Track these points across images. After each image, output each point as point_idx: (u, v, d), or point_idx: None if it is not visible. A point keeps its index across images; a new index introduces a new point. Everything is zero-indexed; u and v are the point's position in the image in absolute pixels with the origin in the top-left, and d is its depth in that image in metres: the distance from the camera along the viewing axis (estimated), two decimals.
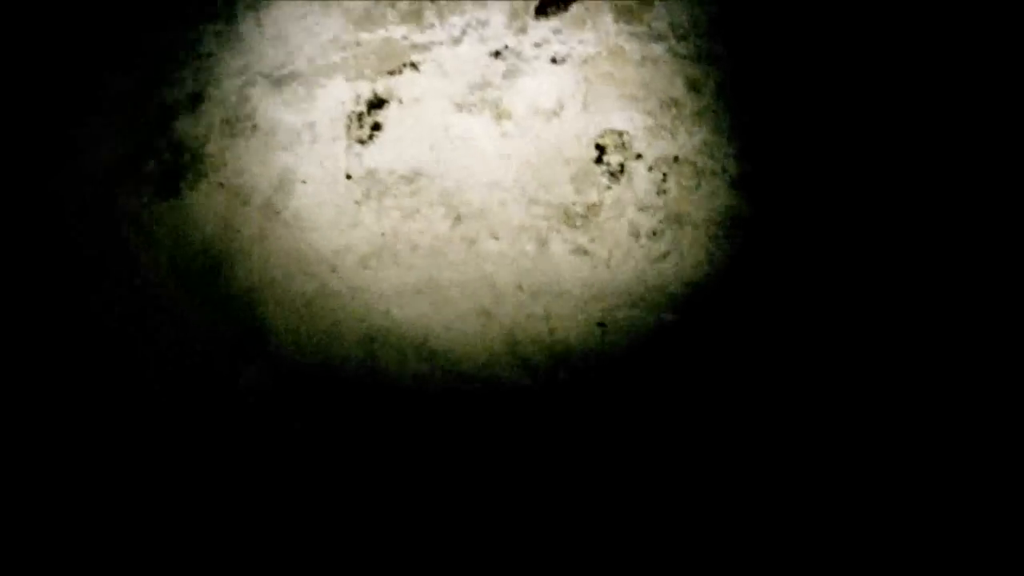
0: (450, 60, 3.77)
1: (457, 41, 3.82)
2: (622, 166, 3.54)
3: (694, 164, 3.58)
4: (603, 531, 3.31)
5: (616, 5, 3.78)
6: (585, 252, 3.45)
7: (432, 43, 3.83)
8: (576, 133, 3.59)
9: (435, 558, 3.29)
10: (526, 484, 3.34)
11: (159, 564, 2.84)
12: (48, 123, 3.08)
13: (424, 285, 3.44)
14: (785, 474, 3.31)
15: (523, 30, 3.77)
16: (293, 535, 3.29)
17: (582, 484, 3.35)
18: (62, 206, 3.04)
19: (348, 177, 3.65)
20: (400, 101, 3.72)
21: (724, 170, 3.56)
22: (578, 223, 3.49)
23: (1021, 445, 3.17)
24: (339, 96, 3.76)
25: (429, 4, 3.87)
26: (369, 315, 3.50)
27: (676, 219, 3.51)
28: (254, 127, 3.79)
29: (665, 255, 3.43)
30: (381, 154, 3.65)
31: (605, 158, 3.55)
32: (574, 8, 3.79)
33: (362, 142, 3.68)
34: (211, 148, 3.82)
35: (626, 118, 3.62)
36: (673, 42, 3.74)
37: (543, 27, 3.76)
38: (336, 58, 3.84)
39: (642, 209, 3.51)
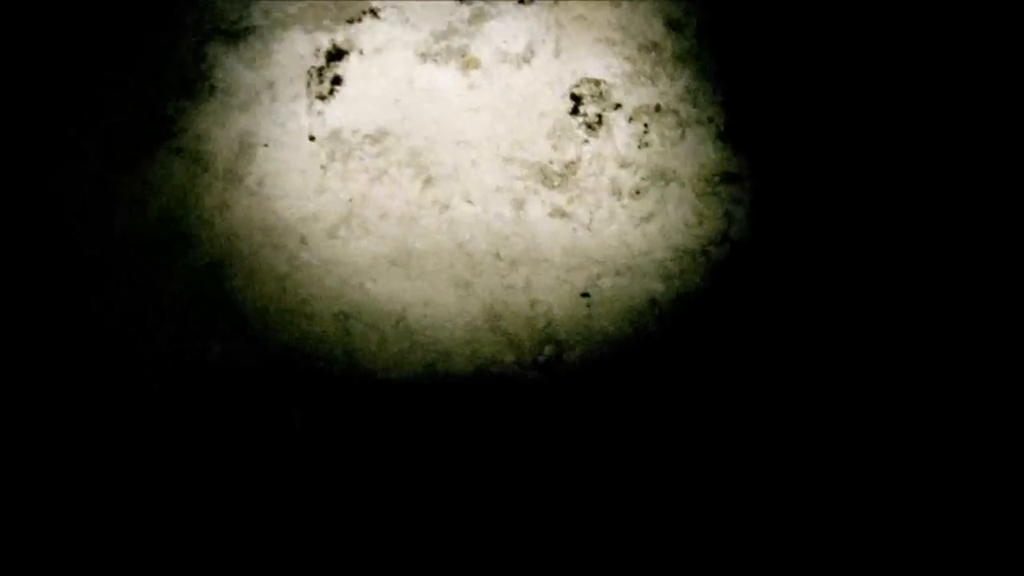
0: (412, 5, 3.46)
1: None
2: (600, 117, 3.29)
3: (677, 113, 3.32)
4: (590, 514, 3.20)
5: None
6: (564, 214, 3.23)
7: None
8: (549, 82, 3.32)
9: (415, 542, 3.20)
10: (510, 466, 3.23)
11: (158, 560, 2.83)
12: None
13: (398, 255, 3.24)
14: (775, 447, 3.19)
15: None
16: (274, 523, 3.20)
17: (569, 466, 3.23)
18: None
19: (311, 139, 3.40)
20: (361, 52, 3.44)
21: (710, 120, 3.31)
22: (556, 182, 3.26)
23: (1019, 445, 3.02)
24: (298, 50, 3.47)
25: None
26: (343, 290, 3.31)
27: (660, 175, 3.28)
28: (211, 88, 3.51)
29: (650, 216, 3.22)
30: (344, 112, 3.39)
31: (581, 109, 3.30)
32: None
33: (323, 98, 3.41)
34: (168, 111, 3.56)
35: (602, 65, 3.35)
36: None
37: None
38: (293, 9, 3.53)
39: (623, 165, 3.28)
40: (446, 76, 3.36)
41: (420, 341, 3.24)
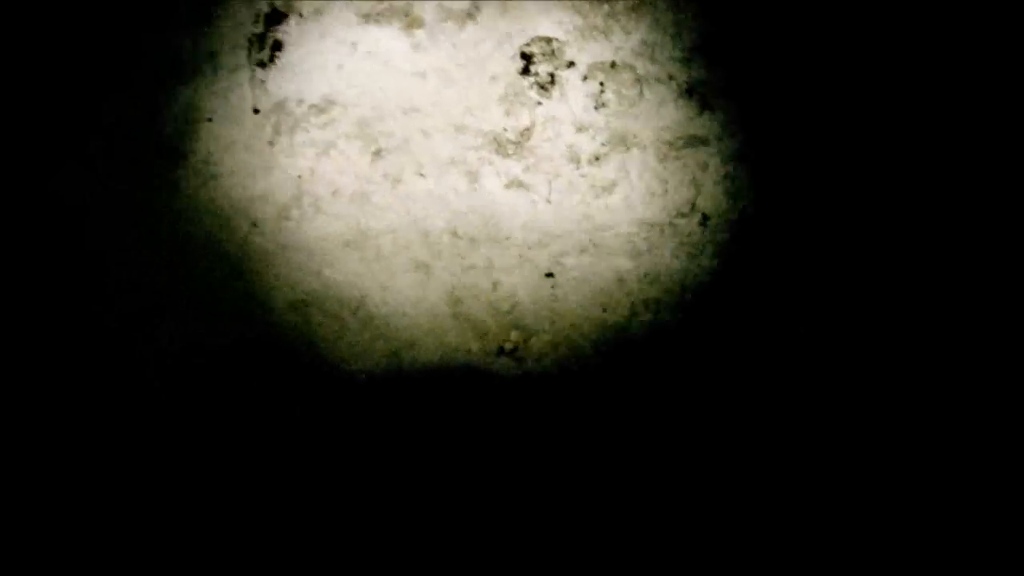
0: None
1: None
2: (552, 77, 3.04)
3: (633, 69, 3.06)
4: (562, 505, 3.10)
5: None
6: (521, 185, 3.03)
7: None
8: (497, 40, 3.07)
9: (378, 532, 3.12)
10: (479, 458, 3.11)
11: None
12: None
13: (353, 236, 3.07)
14: (752, 433, 3.04)
15: None
16: (242, 517, 3.13)
17: (539, 457, 3.11)
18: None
19: (256, 111, 3.17)
20: (300, 15, 3.18)
21: (670, 77, 3.04)
22: (510, 151, 3.04)
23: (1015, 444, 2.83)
24: (238, 16, 3.21)
25: None
26: (300, 277, 3.15)
27: (620, 139, 3.04)
28: (155, 63, 3.28)
29: (611, 185, 3.00)
30: (287, 80, 3.16)
31: (532, 68, 3.04)
32: None
33: (263, 65, 3.17)
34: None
35: (552, 20, 3.08)
36: None
37: None
38: None
39: (580, 129, 3.04)
40: (389, 37, 3.11)
41: (381, 330, 3.10)
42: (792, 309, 2.98)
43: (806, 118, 2.99)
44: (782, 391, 2.95)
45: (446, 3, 3.06)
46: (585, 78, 3.02)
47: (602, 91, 3.02)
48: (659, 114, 3.01)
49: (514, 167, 3.02)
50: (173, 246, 3.16)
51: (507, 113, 3.01)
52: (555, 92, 3.03)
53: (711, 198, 2.99)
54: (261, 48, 3.18)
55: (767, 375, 2.98)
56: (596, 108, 3.01)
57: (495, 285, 3.01)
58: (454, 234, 3.02)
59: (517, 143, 3.02)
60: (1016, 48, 2.82)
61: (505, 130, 3.01)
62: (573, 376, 3.07)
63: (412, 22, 3.09)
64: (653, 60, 3.02)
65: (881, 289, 2.91)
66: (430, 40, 3.06)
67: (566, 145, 2.99)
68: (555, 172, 3.00)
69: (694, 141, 3.01)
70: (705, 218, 3.01)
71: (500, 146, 3.03)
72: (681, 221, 2.99)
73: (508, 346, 3.09)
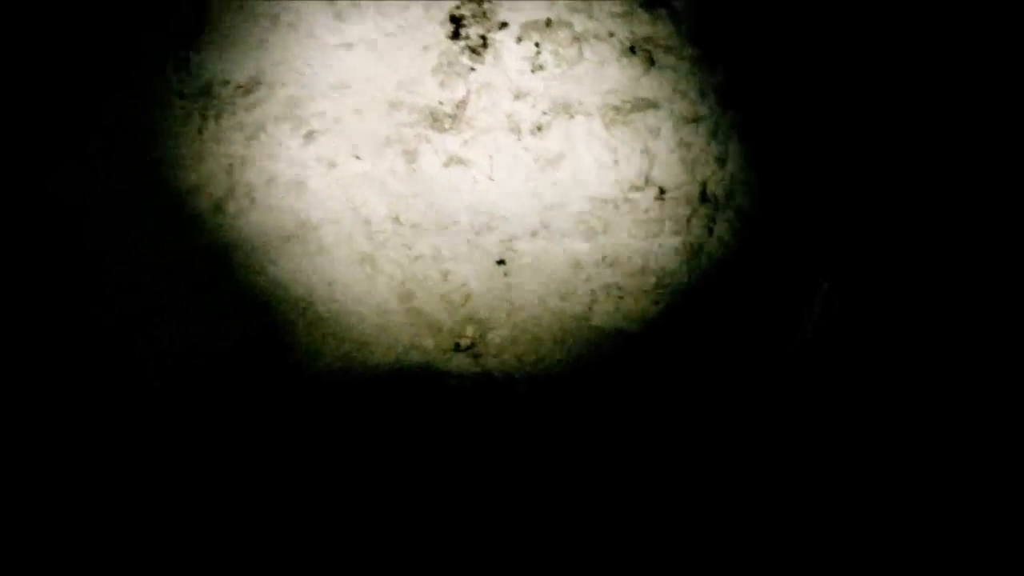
0: None
1: None
2: (484, 39, 2.74)
3: (571, 27, 2.75)
4: (522, 506, 2.89)
5: None
6: (462, 162, 2.77)
7: None
8: (425, 4, 2.74)
9: (332, 532, 2.93)
10: (438, 462, 2.92)
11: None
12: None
13: (293, 228, 2.85)
14: (719, 426, 2.79)
15: None
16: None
17: (500, 459, 2.91)
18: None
19: (181, 96, 2.91)
20: None
21: (611, 33, 2.72)
22: (447, 125, 2.78)
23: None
24: None
25: None
26: (244, 276, 2.93)
27: (562, 106, 2.75)
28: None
29: (557, 158, 2.73)
30: (210, 59, 2.89)
31: (463, 32, 2.73)
32: None
33: (185, 44, 2.90)
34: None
35: None
36: None
37: None
38: None
39: (518, 96, 2.75)
40: (311, 7, 2.80)
41: (332, 329, 2.88)
42: (761, 290, 2.69)
43: (764, 73, 2.66)
44: (755, 381, 2.69)
45: None
46: (519, 39, 2.72)
47: (538, 52, 2.72)
48: (602, 75, 2.71)
49: (452, 143, 2.76)
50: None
51: (441, 85, 2.73)
52: (488, 56, 2.74)
53: (666, 168, 2.70)
54: (183, 24, 2.89)
55: (739, 365, 2.72)
56: (533, 71, 2.72)
57: (445, 275, 2.79)
58: (397, 221, 2.78)
59: (453, 116, 2.74)
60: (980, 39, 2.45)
61: (441, 103, 2.75)
62: (534, 373, 2.83)
63: None
64: (591, 16, 2.70)
65: (856, 264, 2.60)
66: (353, 7, 2.77)
67: (505, 115, 2.72)
68: (495, 146, 2.73)
69: (642, 104, 2.71)
70: (661, 191, 2.74)
71: (436, 120, 2.77)
72: (636, 195, 2.72)
73: (464, 342, 2.91)
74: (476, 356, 2.86)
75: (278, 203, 2.86)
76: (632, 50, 2.72)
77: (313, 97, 2.84)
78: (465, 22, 2.74)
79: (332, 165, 2.83)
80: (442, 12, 2.75)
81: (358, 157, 2.81)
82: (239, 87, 2.86)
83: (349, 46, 2.81)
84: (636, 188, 2.74)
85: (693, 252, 2.80)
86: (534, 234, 2.79)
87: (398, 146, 2.80)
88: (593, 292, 2.84)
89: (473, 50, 2.75)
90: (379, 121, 2.80)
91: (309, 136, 2.84)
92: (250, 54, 2.86)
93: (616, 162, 2.72)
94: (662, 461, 2.81)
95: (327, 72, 2.82)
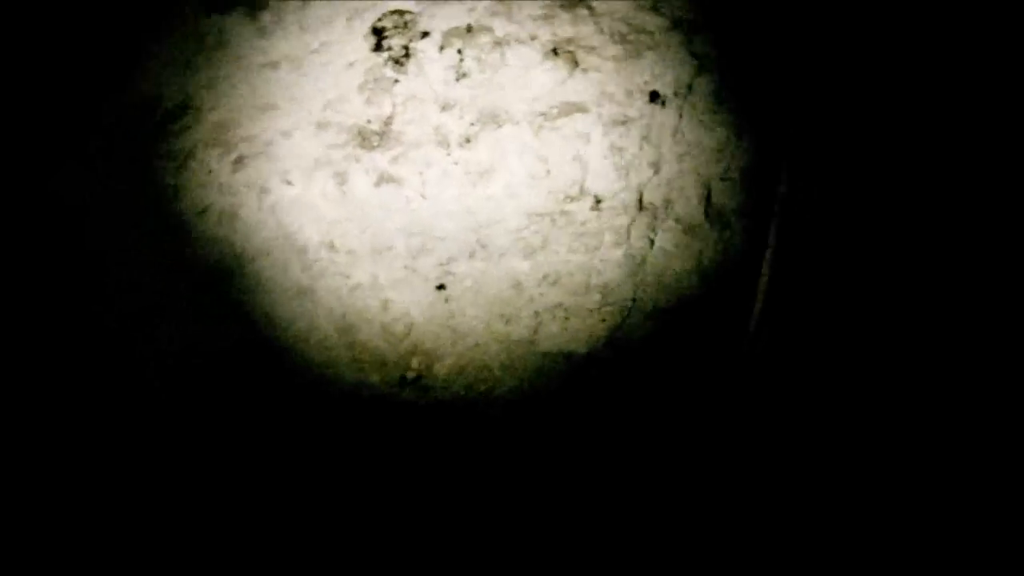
0: None
1: None
2: (407, 50, 2.58)
3: (491, 31, 2.59)
4: (480, 541, 2.72)
5: None
6: (392, 180, 2.63)
7: None
8: (347, 17, 2.61)
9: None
10: (390, 501, 2.76)
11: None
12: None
13: (230, 263, 2.72)
14: (677, 445, 2.59)
15: None
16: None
17: (454, 496, 2.74)
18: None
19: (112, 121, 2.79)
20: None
21: (532, 37, 2.56)
22: (375, 142, 2.62)
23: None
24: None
25: None
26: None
27: (489, 116, 2.60)
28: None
29: (488, 171, 2.58)
30: (143, 83, 2.75)
31: (385, 43, 2.58)
32: None
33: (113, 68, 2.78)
34: None
35: None
36: None
37: None
38: None
39: (445, 107, 2.60)
40: (234, 24, 2.67)
41: (273, 370, 2.72)
42: (708, 301, 2.50)
43: (696, 71, 2.47)
44: (709, 390, 2.50)
45: None
46: (442, 48, 2.58)
47: (461, 60, 2.57)
48: (527, 81, 2.55)
49: (381, 160, 2.62)
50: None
51: (368, 102, 2.60)
52: (412, 67, 2.60)
53: (600, 176, 2.54)
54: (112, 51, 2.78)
55: (691, 377, 2.52)
56: (457, 80, 2.57)
57: (385, 305, 2.67)
58: (332, 247, 2.65)
59: (381, 133, 2.59)
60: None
61: (368, 122, 2.61)
62: (484, 403, 2.68)
63: (256, 3, 2.64)
64: (511, 19, 2.55)
65: (812, 267, 2.41)
66: (276, 23, 2.64)
67: (432, 127, 2.58)
68: (425, 161, 2.59)
69: (570, 108, 2.56)
70: (597, 201, 2.59)
71: (365, 139, 2.61)
72: (572, 207, 2.55)
73: (411, 375, 2.78)
74: (424, 389, 2.69)
75: (210, 234, 2.71)
76: (555, 52, 2.55)
77: (240, 121, 2.70)
78: (387, 33, 2.59)
79: (264, 191, 2.68)
80: (364, 25, 2.61)
81: (289, 182, 2.67)
82: (166, 112, 2.72)
83: (275, 65, 2.68)
84: (571, 198, 2.57)
85: (636, 265, 2.62)
86: (472, 255, 2.63)
87: (328, 168, 2.66)
88: (537, 314, 2.67)
89: (396, 61, 2.60)
90: (308, 143, 2.67)
91: (239, 162, 2.70)
92: (174, 77, 2.71)
93: (548, 172, 2.55)
94: (621, 485, 2.62)
95: (253, 93, 2.70)
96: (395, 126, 2.63)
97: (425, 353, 2.73)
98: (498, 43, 2.57)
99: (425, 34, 2.59)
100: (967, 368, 2.42)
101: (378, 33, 2.60)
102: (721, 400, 2.61)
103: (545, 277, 2.66)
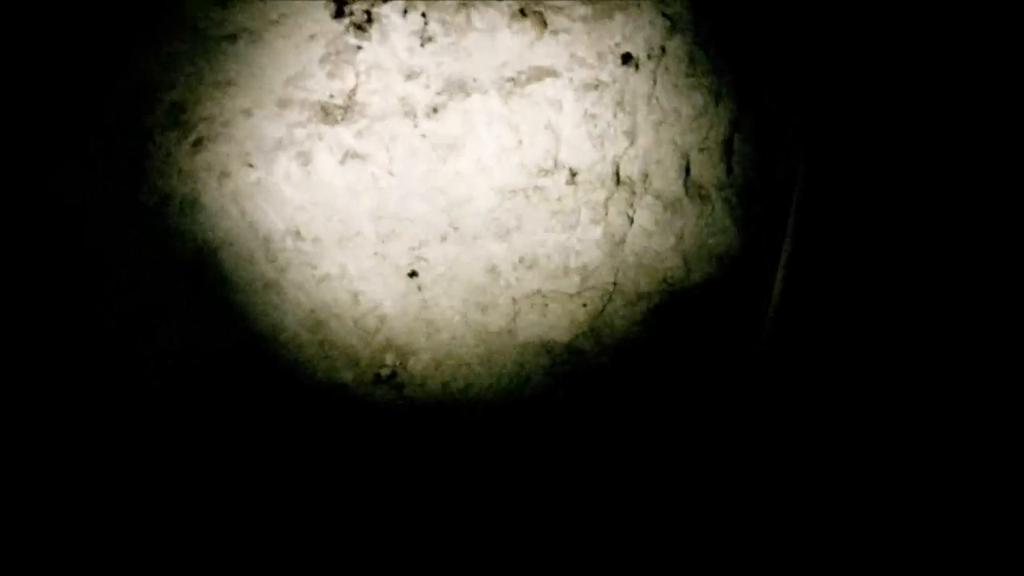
0: None
1: None
2: (369, 15, 2.39)
3: None
4: (459, 547, 2.52)
5: None
6: (357, 155, 2.46)
7: None
8: None
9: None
10: (366, 507, 2.65)
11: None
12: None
13: (192, 256, 2.58)
14: (662, 439, 2.37)
15: None
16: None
17: (431, 501, 2.57)
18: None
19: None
20: None
21: None
22: (339, 117, 2.42)
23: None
24: None
25: None
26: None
27: (457, 84, 2.40)
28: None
29: (457, 144, 2.39)
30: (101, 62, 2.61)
31: (346, 8, 2.38)
32: None
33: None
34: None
35: None
36: None
37: None
38: None
39: (410, 76, 2.41)
40: None
41: (238, 370, 2.56)
42: (699, 285, 2.27)
43: (668, 32, 2.26)
44: (712, 387, 2.28)
45: None
46: (405, 12, 2.39)
47: (426, 23, 2.38)
48: (493, 44, 2.36)
49: (345, 135, 2.45)
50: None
51: (330, 75, 2.41)
52: (375, 33, 2.42)
53: (574, 147, 2.35)
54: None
55: (688, 371, 2.30)
56: (423, 45, 2.38)
57: (355, 297, 2.56)
58: (298, 235, 2.50)
59: (345, 107, 2.40)
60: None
61: (331, 96, 2.40)
62: (462, 400, 2.55)
63: None
64: None
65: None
66: None
67: (397, 98, 2.41)
68: (391, 134, 2.41)
69: (539, 73, 2.37)
70: (572, 174, 2.38)
71: (328, 115, 2.41)
72: (546, 182, 2.35)
73: (385, 372, 2.64)
74: (399, 387, 2.52)
75: (171, 226, 2.54)
76: (522, 13, 2.35)
77: (199, 100, 2.52)
78: None
79: (225, 175, 2.50)
80: None
81: (251, 165, 2.48)
82: (126, 92, 2.55)
83: (232, 38, 2.49)
84: (545, 172, 2.36)
85: (615, 244, 2.41)
86: (444, 238, 2.44)
87: (291, 148, 2.49)
88: (515, 301, 2.48)
89: (359, 27, 2.41)
90: (269, 122, 2.48)
91: (197, 144, 2.51)
92: (134, 54, 2.54)
93: (520, 142, 2.35)
94: (609, 489, 2.40)
95: (210, 69, 2.51)
96: (359, 97, 2.45)
97: (399, 348, 2.57)
98: (464, 4, 2.37)
99: None
100: (970, 361, 2.19)
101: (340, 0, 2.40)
102: (714, 393, 2.39)
103: (521, 260, 2.46)
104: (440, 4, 2.38)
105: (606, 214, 2.47)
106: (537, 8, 2.38)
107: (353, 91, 2.45)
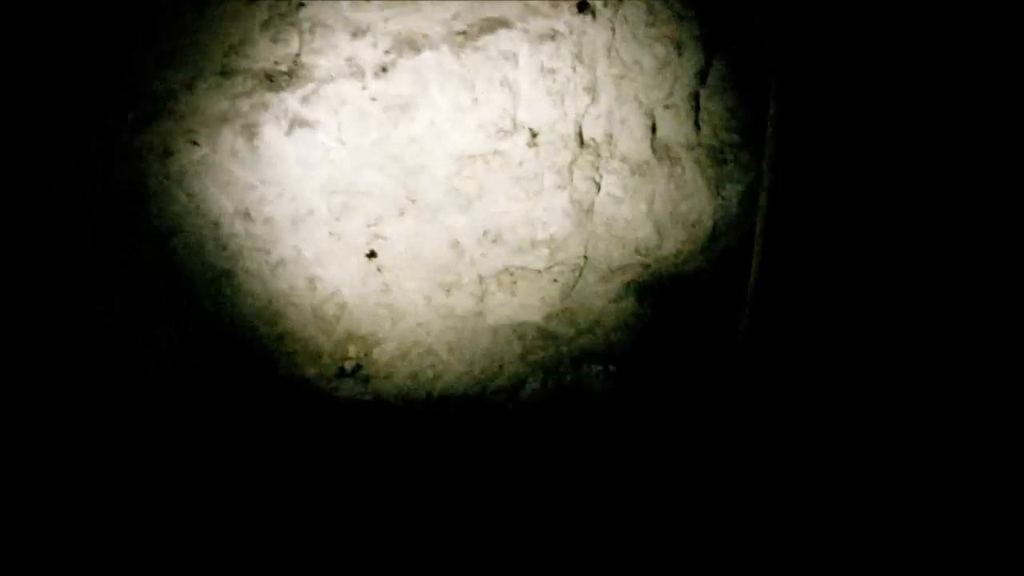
0: None
1: None
2: None
3: None
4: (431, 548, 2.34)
5: None
6: (306, 123, 2.33)
7: None
8: None
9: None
10: (333, 509, 2.48)
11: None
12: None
13: (135, 243, 2.51)
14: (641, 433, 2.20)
15: None
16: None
17: (400, 502, 2.45)
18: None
19: None
20: None
21: None
22: (284, 84, 2.25)
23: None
24: None
25: None
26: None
27: (407, 41, 2.24)
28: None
29: (409, 105, 2.22)
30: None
31: None
32: None
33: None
34: None
35: None
36: None
37: None
38: None
39: (356, 33, 2.27)
40: None
41: (195, 364, 2.45)
42: (670, 255, 2.08)
43: None
44: (683, 381, 2.09)
45: None
46: None
47: None
48: None
49: (291, 101, 2.35)
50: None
51: (274, 41, 2.22)
52: None
53: (533, 105, 2.22)
54: None
55: (664, 357, 2.11)
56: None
57: (312, 283, 2.46)
58: (248, 217, 2.40)
59: (289, 73, 2.20)
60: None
61: (277, 63, 2.22)
62: (432, 393, 2.50)
63: None
64: None
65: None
66: None
67: (344, 59, 2.28)
68: (339, 97, 2.30)
69: (492, 24, 2.19)
70: (533, 135, 2.19)
71: (273, 82, 2.25)
72: (505, 145, 2.21)
73: (349, 365, 2.54)
74: (364, 380, 2.40)
75: (116, 209, 2.38)
76: None
77: (136, 73, 2.35)
78: None
79: (168, 154, 2.34)
80: None
81: (195, 143, 2.31)
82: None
83: (171, 8, 2.29)
84: (504, 133, 2.21)
85: (583, 213, 2.23)
86: (402, 212, 2.30)
87: (236, 121, 2.33)
88: (481, 279, 2.32)
89: None
90: (211, 96, 2.32)
91: (137, 120, 2.33)
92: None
93: (476, 100, 2.19)
94: (590, 485, 2.23)
95: (147, 41, 2.38)
96: (304, 59, 2.26)
97: (362, 339, 2.49)
98: None
99: None
100: (963, 359, 2.01)
101: None
102: (697, 380, 2.21)
103: (485, 233, 2.30)
104: None
105: (571, 179, 2.29)
106: None
107: (298, 55, 2.26)
